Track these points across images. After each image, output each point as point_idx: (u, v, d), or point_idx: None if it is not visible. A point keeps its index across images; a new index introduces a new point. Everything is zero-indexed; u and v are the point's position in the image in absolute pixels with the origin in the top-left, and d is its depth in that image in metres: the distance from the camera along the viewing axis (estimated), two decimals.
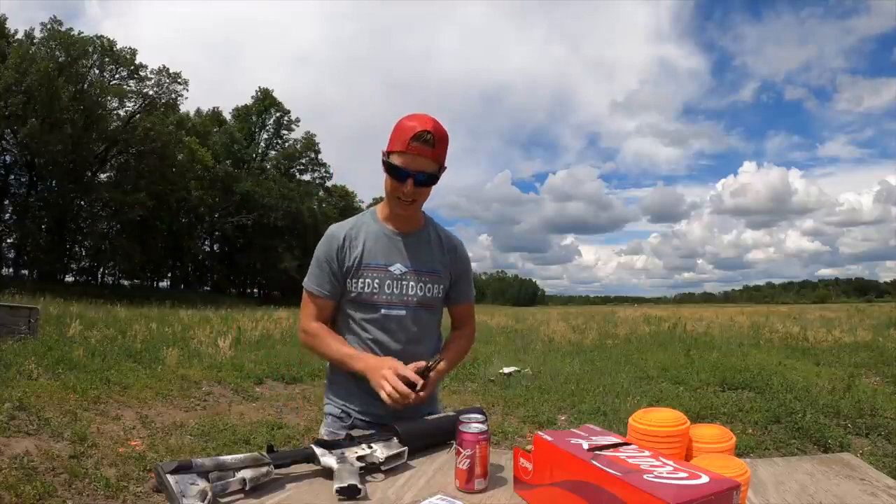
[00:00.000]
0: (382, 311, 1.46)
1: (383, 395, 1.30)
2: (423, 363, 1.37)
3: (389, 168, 1.39)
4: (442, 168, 1.44)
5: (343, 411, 1.51)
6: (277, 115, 47.78)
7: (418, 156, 1.36)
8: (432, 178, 1.42)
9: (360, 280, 1.46)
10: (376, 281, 1.46)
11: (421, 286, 1.48)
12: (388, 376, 1.31)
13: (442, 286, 1.52)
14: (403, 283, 1.47)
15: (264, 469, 1.01)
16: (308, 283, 1.50)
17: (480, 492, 1.02)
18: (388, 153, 1.40)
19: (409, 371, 1.33)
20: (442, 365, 1.42)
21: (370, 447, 1.14)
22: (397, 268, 1.47)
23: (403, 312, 1.47)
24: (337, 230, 1.50)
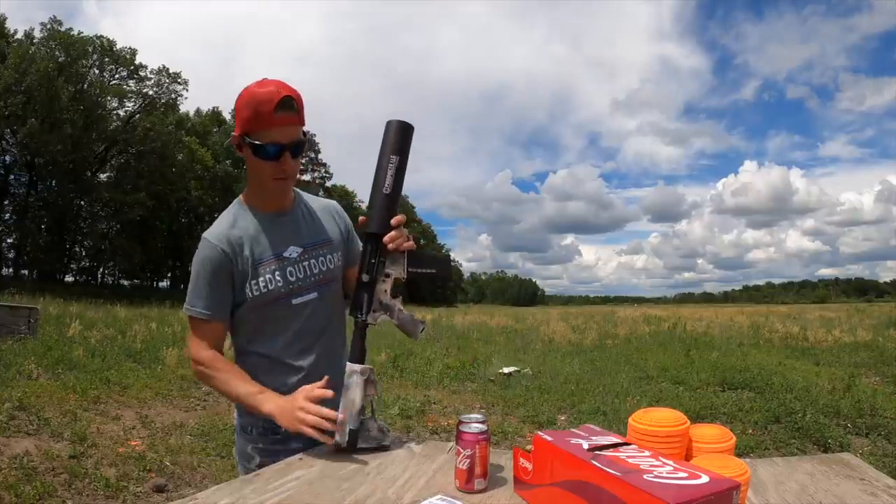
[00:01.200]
0: (293, 300, 1.33)
1: (309, 433, 1.15)
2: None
3: (258, 149, 1.23)
4: (306, 138, 1.30)
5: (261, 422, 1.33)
6: None
7: (287, 126, 1.23)
8: (302, 146, 1.28)
9: (260, 279, 1.30)
10: (276, 273, 1.31)
11: (321, 260, 1.37)
12: (304, 411, 1.17)
13: (339, 252, 1.41)
14: (303, 264, 1.34)
15: None
16: (193, 306, 1.30)
17: (480, 492, 1.01)
18: (248, 133, 1.24)
19: (318, 390, 1.19)
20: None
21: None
22: (292, 251, 1.33)
23: (315, 295, 1.35)
24: (215, 237, 1.30)
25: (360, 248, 1.29)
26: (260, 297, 1.31)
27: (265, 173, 1.28)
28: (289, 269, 1.32)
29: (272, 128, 1.21)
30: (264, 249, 1.32)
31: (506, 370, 7.64)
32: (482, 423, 1.05)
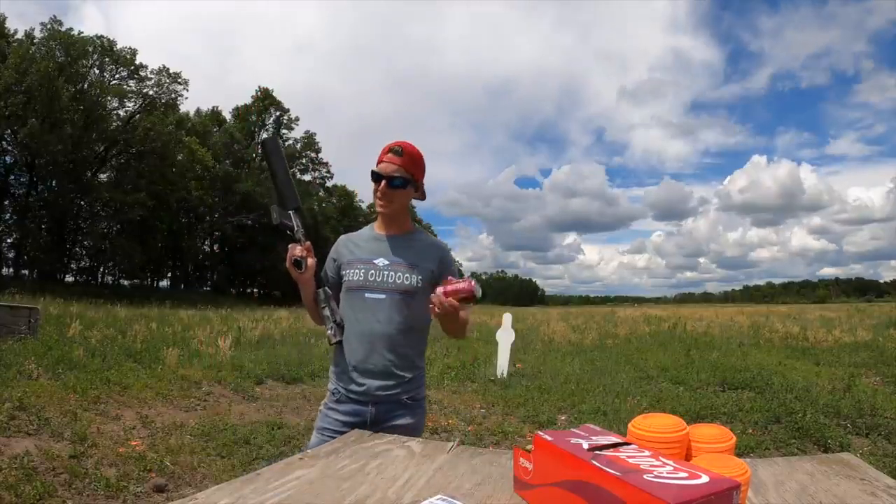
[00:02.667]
0: (366, 294, 1.76)
1: (290, 259, 1.71)
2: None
3: (372, 175, 1.75)
4: (414, 180, 1.77)
5: (336, 389, 1.80)
6: (277, 114, 47.82)
7: (389, 163, 1.73)
8: (403, 183, 1.75)
9: (351, 271, 1.79)
10: (361, 271, 1.78)
11: (399, 275, 1.76)
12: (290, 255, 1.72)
13: (421, 276, 1.77)
14: (385, 272, 1.76)
15: None
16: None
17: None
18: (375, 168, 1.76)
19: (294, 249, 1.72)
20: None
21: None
22: (381, 261, 1.78)
23: (383, 297, 1.75)
24: (341, 236, 1.91)
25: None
26: (348, 283, 1.80)
27: (374, 194, 1.78)
28: (371, 271, 1.78)
29: (381, 163, 1.75)
30: (363, 252, 1.82)
31: (506, 370, 7.63)
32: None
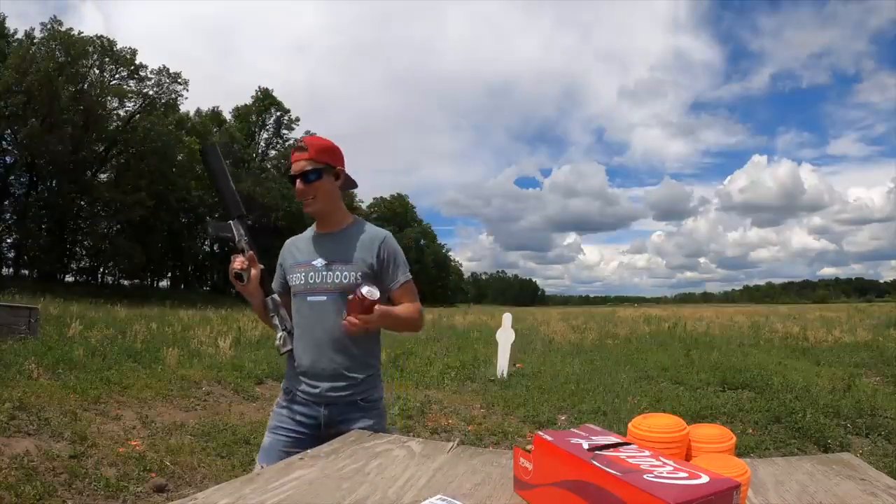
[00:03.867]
0: (308, 298, 1.73)
1: (231, 272, 1.69)
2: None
3: (289, 180, 1.74)
4: (331, 167, 1.72)
5: (288, 390, 1.78)
6: (277, 114, 47.84)
7: (297, 161, 1.70)
8: (317, 175, 1.70)
9: (293, 275, 1.77)
10: (302, 275, 1.74)
11: (338, 274, 1.71)
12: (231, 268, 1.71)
13: (359, 273, 1.71)
14: (324, 273, 1.72)
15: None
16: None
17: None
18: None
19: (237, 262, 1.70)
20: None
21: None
22: (319, 262, 1.74)
23: (325, 298, 1.71)
24: (287, 241, 1.88)
25: (397, 276, 1.77)
26: (292, 288, 1.76)
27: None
28: (311, 273, 1.73)
29: (290, 164, 1.72)
30: (303, 255, 1.78)
31: (506, 370, 7.63)
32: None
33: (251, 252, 1.70)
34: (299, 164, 1.70)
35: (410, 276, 1.83)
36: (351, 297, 1.59)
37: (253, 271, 1.69)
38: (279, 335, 1.73)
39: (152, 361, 7.30)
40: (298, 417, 1.73)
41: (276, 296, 1.76)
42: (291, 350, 1.74)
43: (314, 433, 1.70)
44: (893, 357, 9.22)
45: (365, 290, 1.57)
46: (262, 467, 1.64)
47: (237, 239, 1.70)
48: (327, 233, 1.79)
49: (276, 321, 1.73)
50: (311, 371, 1.71)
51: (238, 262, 1.67)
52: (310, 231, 1.85)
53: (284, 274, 1.82)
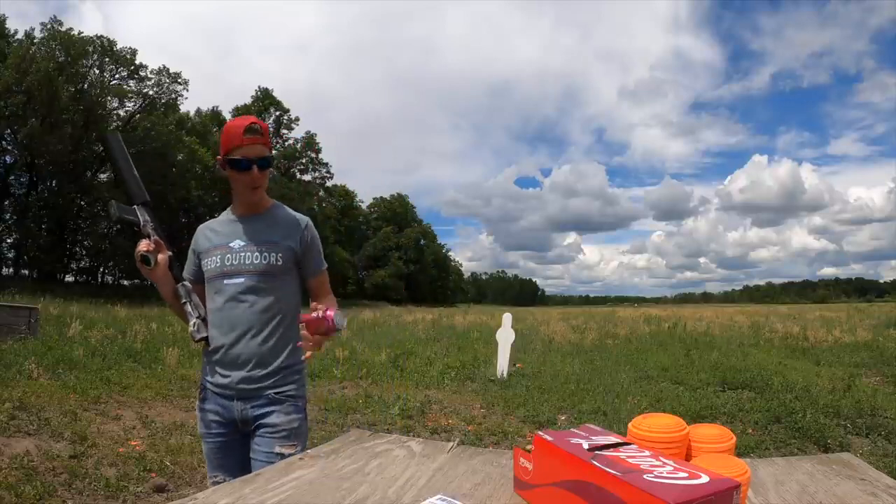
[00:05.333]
0: (225, 281, 1.65)
1: (137, 255, 1.61)
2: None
3: (233, 163, 1.62)
4: (272, 156, 1.70)
5: (203, 384, 1.73)
6: (277, 114, 47.84)
7: (254, 144, 1.61)
8: (268, 161, 1.66)
9: (208, 259, 1.69)
10: (218, 257, 1.67)
11: (257, 255, 1.65)
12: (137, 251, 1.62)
13: (281, 254, 1.66)
14: (242, 254, 1.66)
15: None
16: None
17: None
18: (225, 155, 1.63)
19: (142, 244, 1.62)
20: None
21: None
22: (237, 243, 1.68)
23: (242, 280, 1.65)
24: (200, 226, 1.80)
25: (317, 263, 1.74)
26: (207, 272, 1.69)
27: (238, 184, 1.66)
28: (227, 255, 1.66)
29: (241, 147, 1.60)
30: (219, 238, 1.70)
31: (506, 370, 7.63)
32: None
33: (156, 237, 1.64)
34: (257, 149, 1.62)
35: (326, 265, 1.81)
36: (316, 314, 1.48)
37: (161, 255, 1.62)
38: (192, 322, 1.65)
39: (152, 361, 7.30)
40: (215, 417, 1.67)
41: (187, 283, 1.70)
42: (206, 337, 1.67)
43: (232, 431, 1.66)
44: (893, 357, 9.21)
45: (337, 317, 1.49)
46: (214, 478, 1.66)
47: (142, 224, 1.64)
48: (248, 215, 1.72)
49: (189, 308, 1.66)
50: (224, 358, 1.65)
51: (144, 244, 1.60)
52: (225, 215, 1.77)
53: (198, 260, 1.74)
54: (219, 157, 1.66)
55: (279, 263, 1.66)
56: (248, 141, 1.60)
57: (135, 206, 1.66)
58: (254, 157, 1.61)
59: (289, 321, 1.68)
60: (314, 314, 1.48)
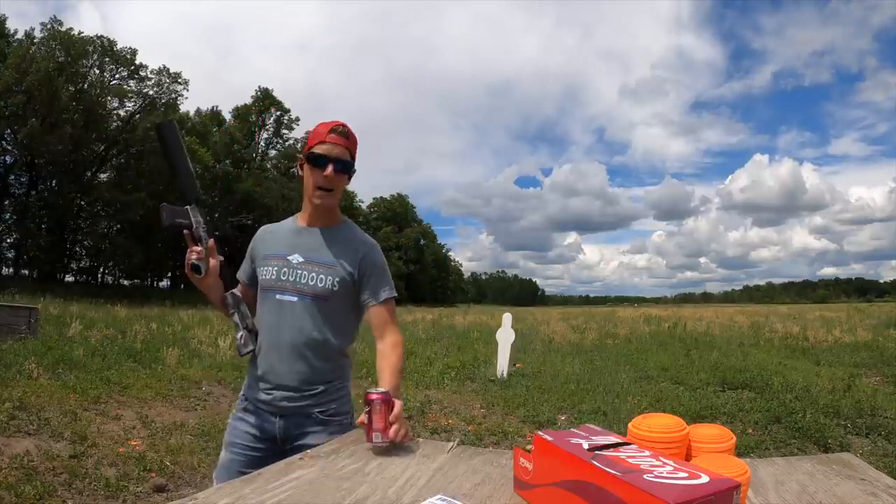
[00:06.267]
0: (277, 296, 1.57)
1: (188, 263, 1.52)
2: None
3: (311, 158, 1.54)
4: (354, 164, 1.60)
5: (245, 396, 1.65)
6: (277, 114, 47.82)
7: (335, 145, 1.54)
8: (347, 167, 1.57)
9: (264, 268, 1.60)
10: (274, 269, 1.58)
11: (313, 276, 1.56)
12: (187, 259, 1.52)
13: (337, 279, 1.56)
14: (299, 272, 1.56)
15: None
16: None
17: (379, 444, 1.23)
18: (308, 150, 1.56)
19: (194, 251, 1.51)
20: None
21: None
22: (295, 258, 1.58)
23: (295, 299, 1.56)
24: (261, 228, 1.72)
25: (378, 292, 1.60)
26: (261, 282, 1.61)
27: (310, 182, 1.56)
28: (284, 269, 1.57)
29: (324, 143, 1.54)
30: (278, 248, 1.61)
31: (506, 370, 7.63)
32: (384, 392, 1.28)
33: (211, 241, 1.52)
34: (338, 150, 1.54)
35: (395, 295, 1.65)
36: (377, 404, 1.27)
37: (212, 262, 1.51)
38: (239, 334, 1.58)
39: (152, 361, 7.30)
40: (253, 431, 1.58)
41: (236, 291, 1.61)
42: (253, 351, 1.58)
43: (271, 449, 1.55)
44: (893, 357, 9.21)
45: (380, 395, 1.28)
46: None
47: (194, 226, 1.50)
48: (312, 228, 1.62)
49: (237, 318, 1.58)
50: (266, 376, 1.56)
51: (195, 253, 1.49)
52: (290, 222, 1.68)
53: (253, 264, 1.66)
54: (300, 155, 1.59)
55: (335, 289, 1.56)
56: (331, 139, 1.54)
57: (186, 207, 1.52)
58: (332, 155, 1.53)
59: (337, 347, 1.60)
60: (375, 404, 1.27)
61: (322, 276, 1.56)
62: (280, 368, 1.55)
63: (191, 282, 1.55)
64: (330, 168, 1.52)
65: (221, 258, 1.55)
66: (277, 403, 1.55)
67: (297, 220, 1.66)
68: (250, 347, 1.58)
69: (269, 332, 1.57)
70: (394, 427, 1.26)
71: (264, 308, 1.59)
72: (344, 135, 1.55)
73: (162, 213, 1.49)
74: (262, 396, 1.57)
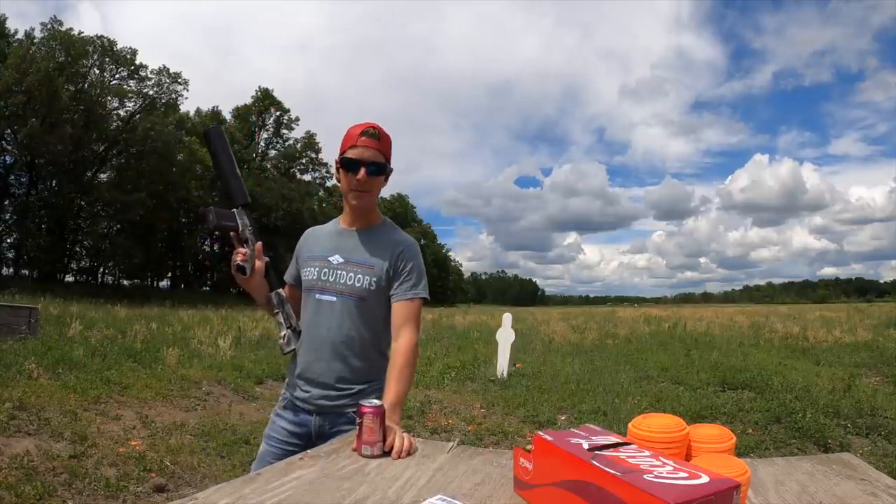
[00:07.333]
0: (317, 295, 1.62)
1: (234, 265, 1.57)
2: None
3: (344, 162, 1.58)
4: (388, 164, 1.62)
5: (285, 394, 1.70)
6: (277, 114, 47.82)
7: (367, 148, 1.56)
8: (380, 169, 1.59)
9: (307, 269, 1.66)
10: (316, 269, 1.64)
11: (353, 275, 1.60)
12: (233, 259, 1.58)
13: (374, 278, 1.60)
14: (339, 272, 1.61)
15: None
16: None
17: (369, 457, 1.18)
18: (341, 154, 1.59)
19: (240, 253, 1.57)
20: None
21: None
22: (336, 258, 1.63)
23: (334, 299, 1.60)
24: (307, 230, 1.79)
25: (405, 290, 1.61)
26: (304, 282, 1.66)
27: (345, 186, 1.61)
28: (325, 269, 1.63)
29: (356, 147, 1.56)
30: (321, 249, 1.67)
31: (506, 370, 7.63)
32: (377, 404, 1.23)
33: (259, 243, 1.57)
34: (370, 153, 1.56)
35: (426, 296, 1.64)
36: (369, 416, 1.22)
37: (257, 263, 1.57)
38: (283, 333, 1.61)
39: (152, 361, 7.29)
40: (290, 427, 1.63)
41: (281, 291, 1.64)
42: (295, 350, 1.63)
43: (306, 445, 1.56)
44: (893, 357, 9.22)
45: (368, 407, 1.23)
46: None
47: (241, 228, 1.55)
48: (353, 229, 1.67)
49: (281, 318, 1.62)
50: (305, 374, 1.62)
51: (241, 255, 1.55)
52: (333, 224, 1.74)
53: (298, 266, 1.72)
54: (336, 159, 1.62)
55: (372, 288, 1.60)
56: (363, 143, 1.56)
57: (233, 210, 1.56)
58: (365, 159, 1.56)
59: (373, 345, 1.63)
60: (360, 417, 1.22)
61: (360, 275, 1.60)
62: (318, 367, 1.60)
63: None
64: (363, 172, 1.56)
65: (267, 259, 1.60)
66: (314, 401, 1.60)
67: (338, 223, 1.71)
68: (292, 346, 1.62)
69: (308, 331, 1.62)
70: (395, 448, 1.22)
71: (306, 308, 1.65)
72: (375, 137, 1.57)
73: (208, 216, 1.52)
74: (300, 394, 1.62)
